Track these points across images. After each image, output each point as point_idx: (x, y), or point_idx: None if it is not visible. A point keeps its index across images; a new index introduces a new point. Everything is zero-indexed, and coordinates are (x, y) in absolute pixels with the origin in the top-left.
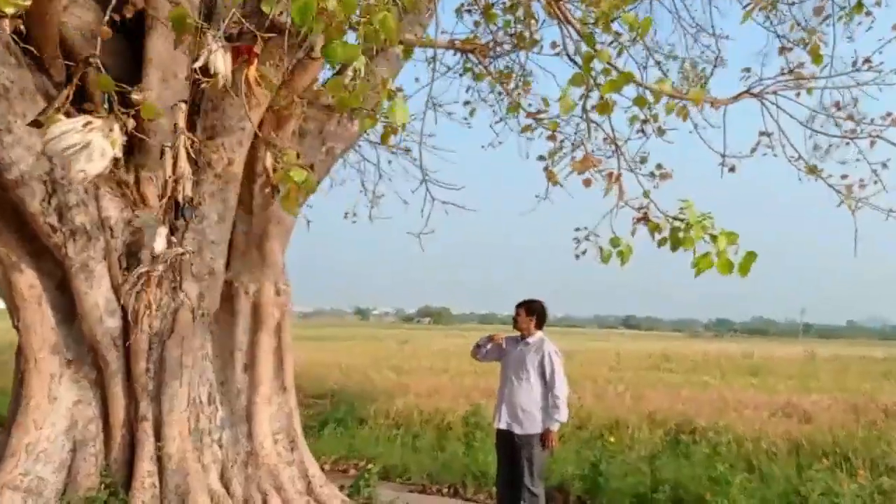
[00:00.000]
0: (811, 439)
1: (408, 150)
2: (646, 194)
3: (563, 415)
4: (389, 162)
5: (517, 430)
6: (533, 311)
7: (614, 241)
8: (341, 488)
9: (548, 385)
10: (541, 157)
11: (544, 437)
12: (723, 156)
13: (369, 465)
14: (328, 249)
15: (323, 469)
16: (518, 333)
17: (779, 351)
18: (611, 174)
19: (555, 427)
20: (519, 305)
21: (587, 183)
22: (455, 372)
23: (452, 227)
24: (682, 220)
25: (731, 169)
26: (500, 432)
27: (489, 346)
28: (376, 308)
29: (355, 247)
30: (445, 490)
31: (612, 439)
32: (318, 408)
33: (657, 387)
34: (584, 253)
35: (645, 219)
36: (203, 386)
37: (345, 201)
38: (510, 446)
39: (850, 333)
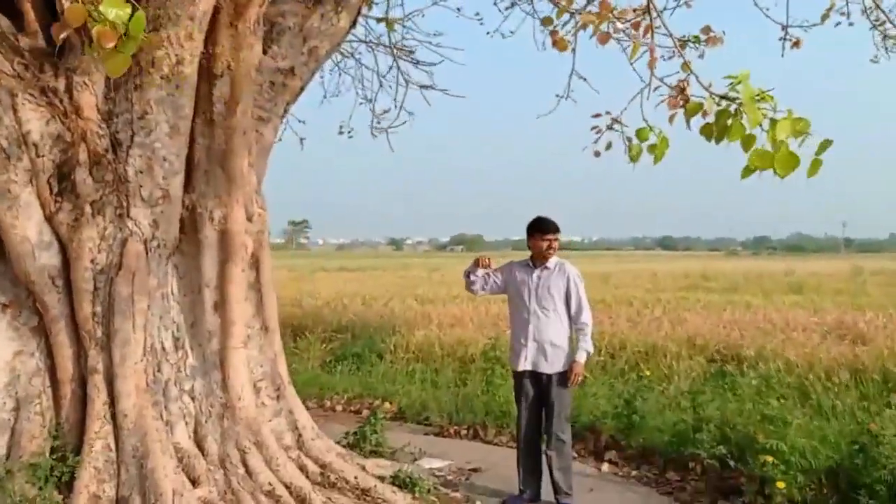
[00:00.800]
0: (870, 363)
1: (411, 52)
2: (685, 66)
3: (590, 344)
4: (390, 67)
5: (546, 370)
6: (559, 234)
7: (642, 134)
8: (346, 435)
9: (572, 313)
10: (546, 20)
11: (570, 371)
12: (784, 27)
13: (379, 406)
14: (360, 179)
15: (334, 409)
16: (524, 258)
17: (821, 267)
18: (637, 25)
19: (582, 358)
20: (553, 229)
21: (603, 39)
22: (481, 300)
23: (484, 154)
24: (732, 100)
25: (796, 44)
26: (523, 374)
27: (480, 274)
28: (410, 238)
29: (388, 176)
30: (465, 431)
31: (647, 372)
32: (338, 341)
33: (696, 309)
34: (607, 148)
35: (683, 97)
36: (166, 330)
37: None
38: (536, 388)
39: (892, 247)
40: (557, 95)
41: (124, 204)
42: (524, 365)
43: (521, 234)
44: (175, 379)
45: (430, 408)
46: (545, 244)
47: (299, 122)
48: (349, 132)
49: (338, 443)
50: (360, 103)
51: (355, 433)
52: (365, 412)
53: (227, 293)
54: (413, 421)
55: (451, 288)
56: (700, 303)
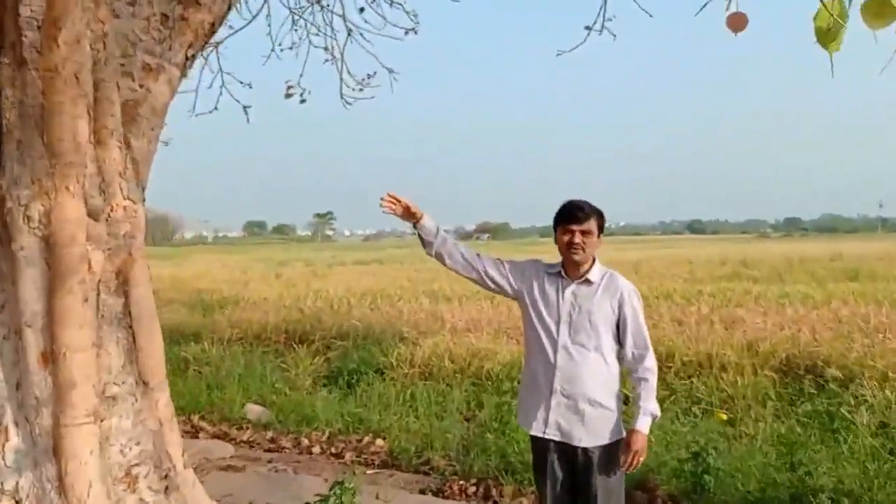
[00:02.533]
0: None
1: None
2: None
3: (655, 403)
4: (362, 10)
5: (582, 441)
6: (603, 222)
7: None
8: None
9: (627, 353)
10: None
11: (625, 448)
12: None
13: (368, 444)
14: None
15: (311, 451)
16: (539, 259)
17: (864, 249)
18: None
19: (645, 427)
20: (582, 215)
21: None
22: (501, 297)
23: (510, 139)
24: None
25: None
26: (546, 444)
27: (442, 240)
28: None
29: (413, 163)
30: (472, 488)
31: (722, 416)
32: (338, 350)
33: (746, 302)
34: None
35: None
36: None
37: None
38: (567, 468)
39: None
40: (587, 28)
41: None
42: (546, 430)
43: (547, 220)
44: None
45: (434, 446)
46: (567, 238)
47: (242, 84)
48: (301, 94)
49: None
50: (326, 61)
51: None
52: (348, 455)
53: (58, 336)
54: (409, 467)
55: (467, 283)
56: (750, 295)
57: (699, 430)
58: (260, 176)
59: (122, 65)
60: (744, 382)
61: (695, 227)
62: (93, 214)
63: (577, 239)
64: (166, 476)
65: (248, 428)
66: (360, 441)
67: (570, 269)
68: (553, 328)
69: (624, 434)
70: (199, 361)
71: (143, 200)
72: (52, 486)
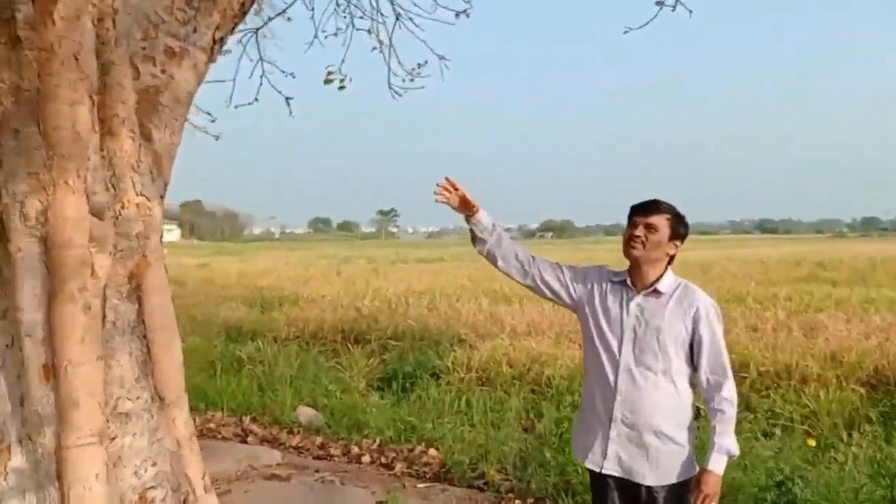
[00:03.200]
0: None
1: None
2: None
3: (732, 438)
4: None
5: (646, 478)
6: (681, 229)
7: None
8: None
9: (703, 378)
10: None
11: (695, 490)
12: None
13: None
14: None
15: (360, 460)
16: (605, 266)
17: None
18: None
19: (720, 467)
20: (661, 207)
21: None
22: None
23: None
24: None
25: None
26: (604, 479)
27: (497, 238)
28: (500, 225)
29: (475, 160)
30: None
31: (812, 443)
32: (394, 351)
33: (826, 307)
34: None
35: None
36: None
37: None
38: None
39: None
40: (659, 2)
41: None
42: (604, 464)
43: (613, 219)
44: None
45: (490, 459)
46: (629, 232)
47: (284, 73)
48: (342, 81)
49: None
50: (374, 49)
51: None
52: (399, 466)
53: (58, 349)
54: (462, 481)
55: None
56: (830, 299)
57: (782, 454)
58: (325, 173)
59: (144, 48)
60: (828, 397)
61: (766, 227)
62: (96, 212)
63: (639, 231)
64: (185, 501)
65: (298, 432)
66: (411, 451)
67: (636, 277)
68: (614, 346)
69: (696, 472)
70: (253, 360)
71: (162, 197)
72: None
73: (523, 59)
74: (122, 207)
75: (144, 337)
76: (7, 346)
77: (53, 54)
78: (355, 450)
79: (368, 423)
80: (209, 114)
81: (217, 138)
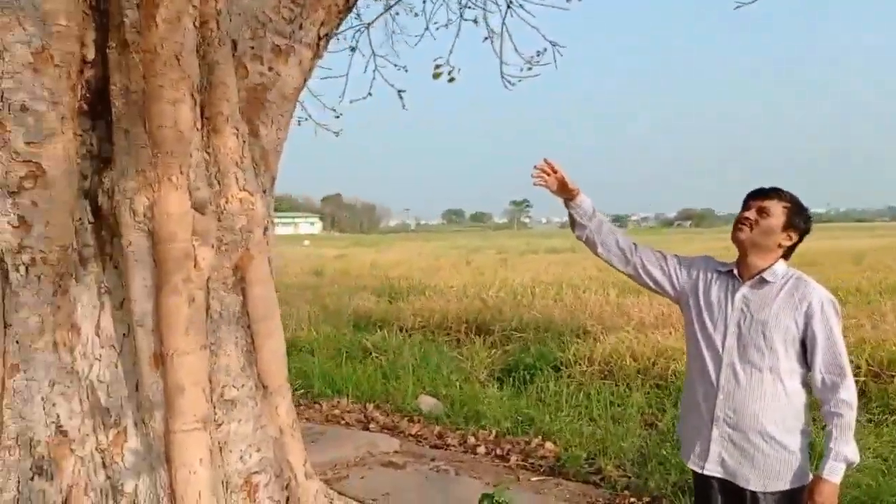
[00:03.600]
0: None
1: None
2: None
3: (851, 444)
4: None
5: (750, 483)
6: (799, 221)
7: None
8: None
9: (816, 376)
10: None
11: (811, 495)
12: None
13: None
14: (580, 154)
15: (475, 451)
16: (712, 256)
17: None
18: None
19: (837, 476)
20: (779, 193)
21: None
22: None
23: (712, 115)
24: None
25: None
26: (707, 481)
27: (598, 223)
28: (635, 214)
29: (608, 148)
30: None
31: None
32: (517, 343)
33: None
34: None
35: None
36: (68, 402)
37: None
38: None
39: None
40: None
41: None
42: (706, 466)
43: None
44: (93, 484)
45: (608, 454)
46: (740, 214)
47: (396, 67)
48: (450, 73)
49: None
50: (486, 38)
51: None
52: (514, 458)
53: (165, 338)
54: (577, 476)
55: None
56: None
57: None
58: (458, 165)
59: (252, 47)
60: None
61: None
62: (199, 207)
63: (751, 214)
64: (287, 486)
65: (418, 421)
66: (528, 443)
67: (742, 267)
68: (718, 341)
69: (808, 481)
70: (378, 349)
71: (264, 191)
72: (165, 494)
73: (638, 47)
74: (226, 202)
75: (248, 327)
76: (124, 334)
77: (156, 56)
78: (472, 440)
79: (486, 413)
80: (334, 110)
81: (337, 134)
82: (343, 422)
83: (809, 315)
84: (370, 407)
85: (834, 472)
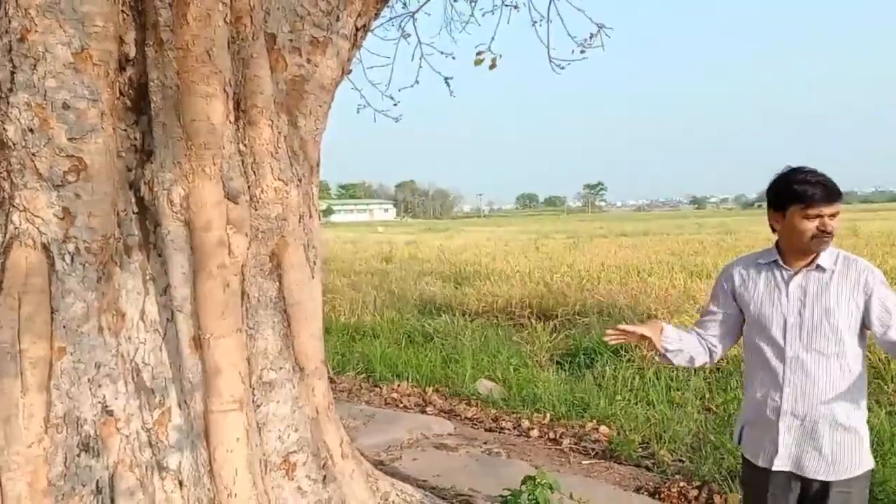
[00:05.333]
0: None
1: None
2: None
3: None
4: None
5: (821, 473)
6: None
7: None
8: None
9: (891, 330)
10: None
11: None
12: None
13: (591, 432)
14: (653, 136)
15: (528, 434)
16: (758, 252)
17: None
18: None
19: None
20: (835, 194)
21: None
22: None
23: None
24: None
25: None
26: (769, 475)
27: (678, 350)
28: (714, 195)
29: (682, 130)
30: (694, 492)
31: None
32: (580, 327)
33: None
34: None
35: None
36: (113, 383)
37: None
38: (792, 500)
39: None
40: None
41: (5, 186)
42: (776, 461)
43: (846, 187)
44: (142, 460)
45: (663, 437)
46: (815, 224)
47: (444, 55)
48: (492, 60)
49: None
50: (534, 23)
51: (503, 501)
52: (566, 442)
53: (202, 322)
54: (629, 460)
55: (738, 255)
56: None
57: None
58: (531, 149)
59: (291, 40)
60: None
61: None
62: (232, 197)
63: (831, 225)
64: (324, 465)
65: (475, 404)
66: (582, 427)
67: (790, 257)
68: (778, 336)
69: (872, 465)
70: (440, 334)
71: (300, 180)
72: (205, 471)
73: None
74: (262, 192)
75: (285, 312)
76: (168, 319)
77: (188, 52)
78: (526, 423)
79: (542, 397)
80: (391, 97)
81: (397, 120)
82: (401, 405)
83: (868, 291)
84: (429, 390)
85: None
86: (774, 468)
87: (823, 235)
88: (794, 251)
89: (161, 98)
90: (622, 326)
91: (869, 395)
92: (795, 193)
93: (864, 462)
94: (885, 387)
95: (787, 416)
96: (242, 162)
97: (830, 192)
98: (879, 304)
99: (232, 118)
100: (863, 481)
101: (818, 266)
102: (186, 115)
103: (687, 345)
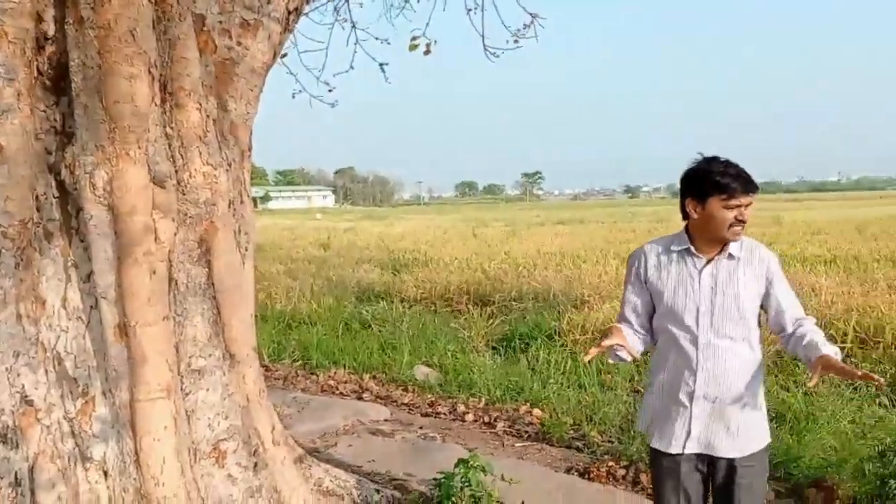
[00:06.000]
0: None
1: None
2: None
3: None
4: None
5: (728, 451)
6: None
7: None
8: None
9: (780, 316)
10: None
11: (825, 362)
12: None
13: (524, 415)
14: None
15: (464, 418)
16: (669, 235)
17: None
18: None
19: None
20: (752, 185)
21: None
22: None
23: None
24: None
25: None
26: (678, 459)
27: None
28: (647, 185)
29: (617, 120)
30: (622, 471)
31: None
32: (516, 313)
33: None
34: None
35: None
36: (33, 372)
37: None
38: (705, 484)
39: None
40: None
41: None
42: (687, 444)
43: (768, 175)
44: (61, 450)
45: (594, 419)
46: (734, 214)
47: (378, 40)
48: (427, 46)
49: None
50: (470, 10)
51: (437, 484)
52: (500, 425)
53: (127, 310)
54: (561, 442)
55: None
56: None
57: (891, 423)
58: (470, 138)
59: (220, 22)
60: None
61: None
62: (158, 182)
63: (747, 215)
64: (255, 452)
65: (412, 390)
66: (516, 410)
67: (702, 244)
68: (692, 322)
69: (769, 440)
70: (378, 321)
71: (230, 164)
72: (131, 460)
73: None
74: (190, 176)
75: (214, 298)
76: (91, 306)
77: (111, 31)
78: (461, 408)
79: (478, 382)
80: (327, 83)
81: (333, 106)
82: (337, 392)
83: (770, 277)
84: (366, 377)
85: (833, 353)
86: (686, 451)
87: (739, 225)
88: (708, 239)
89: (82, 79)
90: (605, 343)
91: (787, 377)
92: (718, 185)
93: (765, 437)
94: (799, 368)
95: (700, 400)
96: (169, 145)
97: (749, 184)
98: (777, 290)
99: (158, 101)
100: (764, 454)
101: (729, 255)
102: (109, 96)
103: (633, 341)
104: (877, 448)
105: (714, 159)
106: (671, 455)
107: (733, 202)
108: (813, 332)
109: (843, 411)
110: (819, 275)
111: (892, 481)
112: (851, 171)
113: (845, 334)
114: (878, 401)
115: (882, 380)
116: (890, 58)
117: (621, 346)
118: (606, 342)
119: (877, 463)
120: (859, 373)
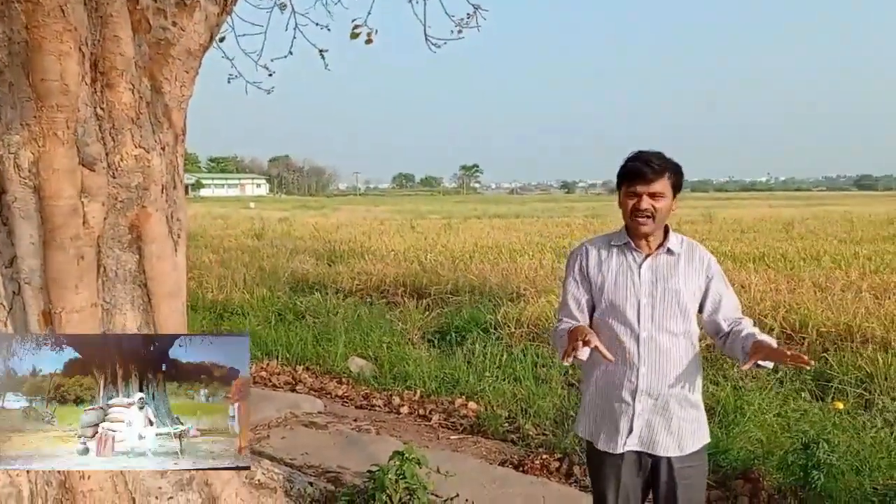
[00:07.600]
0: None
1: None
2: None
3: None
4: None
5: (668, 450)
6: (680, 179)
7: None
8: (370, 473)
9: (718, 316)
10: None
11: (761, 347)
12: None
13: (459, 408)
14: (530, 120)
15: (399, 411)
16: (611, 232)
17: None
18: None
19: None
20: (660, 167)
21: None
22: None
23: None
24: None
25: None
26: (618, 458)
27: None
28: (583, 180)
29: (554, 115)
30: (556, 464)
31: (839, 405)
32: (453, 305)
33: None
34: None
35: None
36: None
37: None
38: (646, 484)
39: None
40: None
41: None
42: (627, 441)
43: (706, 174)
44: None
45: (528, 411)
46: (632, 202)
47: (318, 26)
48: (368, 35)
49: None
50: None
51: (371, 477)
52: (436, 418)
53: (52, 296)
54: (496, 434)
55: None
56: None
57: (814, 416)
58: (409, 129)
59: (155, 1)
60: (886, 360)
61: (864, 184)
62: (88, 164)
63: (645, 204)
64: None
65: (347, 382)
66: (451, 403)
67: (639, 241)
68: (632, 316)
69: (709, 439)
70: (312, 312)
71: (164, 148)
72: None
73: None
74: (121, 159)
75: (145, 286)
76: (14, 292)
77: (39, 6)
78: (396, 401)
79: (413, 374)
80: (266, 68)
81: (269, 92)
82: (270, 384)
83: (710, 276)
84: (300, 369)
85: (768, 340)
86: (626, 449)
87: (638, 214)
88: (632, 232)
89: (7, 54)
90: (594, 343)
91: (716, 371)
92: (623, 171)
93: (705, 436)
94: (727, 364)
95: (642, 396)
96: (100, 127)
97: (648, 172)
98: (715, 289)
99: (89, 80)
100: (704, 454)
101: (668, 250)
102: (36, 73)
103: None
104: (801, 440)
105: (639, 151)
106: (612, 454)
107: (631, 189)
108: (751, 328)
109: (769, 405)
110: (749, 272)
111: (815, 472)
112: (780, 171)
113: (772, 329)
114: (802, 395)
115: (813, 361)
116: (819, 66)
117: (596, 345)
118: (594, 341)
119: (801, 455)
120: (789, 353)
